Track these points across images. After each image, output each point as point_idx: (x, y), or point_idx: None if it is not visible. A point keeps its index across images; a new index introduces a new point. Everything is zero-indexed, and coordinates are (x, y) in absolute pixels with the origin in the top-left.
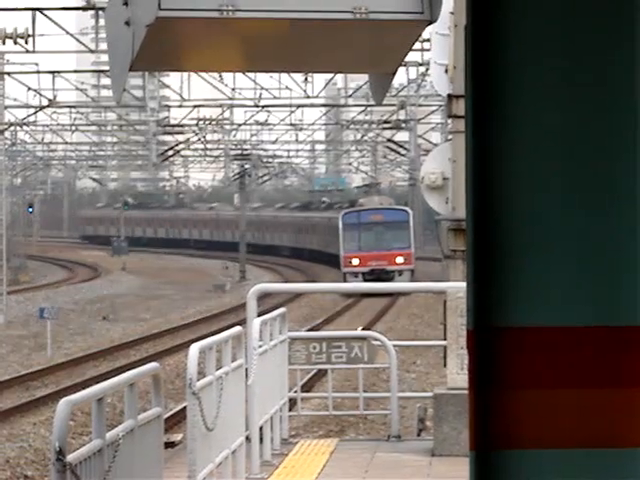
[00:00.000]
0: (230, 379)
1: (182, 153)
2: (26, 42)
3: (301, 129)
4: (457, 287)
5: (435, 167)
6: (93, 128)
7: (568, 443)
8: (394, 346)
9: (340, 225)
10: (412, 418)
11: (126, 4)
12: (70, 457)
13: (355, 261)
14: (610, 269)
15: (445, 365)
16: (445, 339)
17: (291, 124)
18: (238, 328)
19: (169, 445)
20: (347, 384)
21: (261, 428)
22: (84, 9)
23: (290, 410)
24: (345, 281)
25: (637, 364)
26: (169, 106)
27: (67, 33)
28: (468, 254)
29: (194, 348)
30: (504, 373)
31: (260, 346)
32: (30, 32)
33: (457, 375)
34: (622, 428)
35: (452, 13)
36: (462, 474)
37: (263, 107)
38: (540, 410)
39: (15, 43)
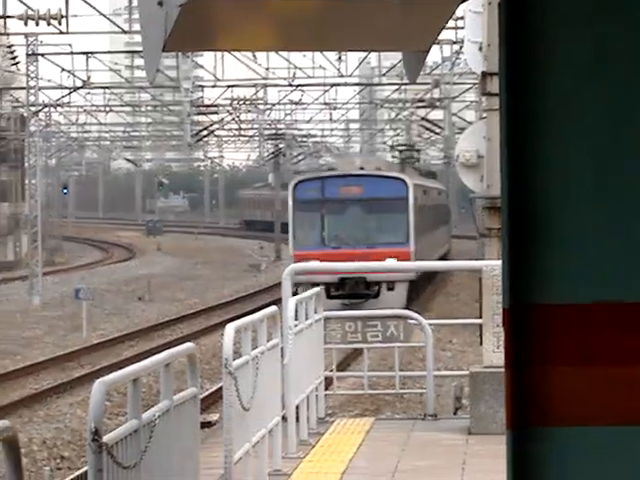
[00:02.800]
0: (266, 358)
1: (216, 133)
2: (59, 23)
3: (335, 108)
4: (493, 265)
5: (470, 145)
6: (127, 109)
7: (604, 420)
8: (430, 325)
9: (290, 202)
10: (448, 397)
11: None
12: (106, 438)
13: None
14: None
15: (481, 343)
16: (481, 317)
17: (325, 103)
18: (274, 308)
19: (205, 425)
20: (383, 363)
21: (297, 407)
22: None
23: (326, 389)
24: (296, 294)
25: None
26: (203, 86)
27: (100, 14)
28: (503, 232)
29: (230, 328)
30: (540, 350)
31: (296, 325)
32: (63, 13)
33: (493, 353)
34: None
35: None
36: (499, 452)
37: (297, 86)
38: (577, 387)
39: (49, 24)
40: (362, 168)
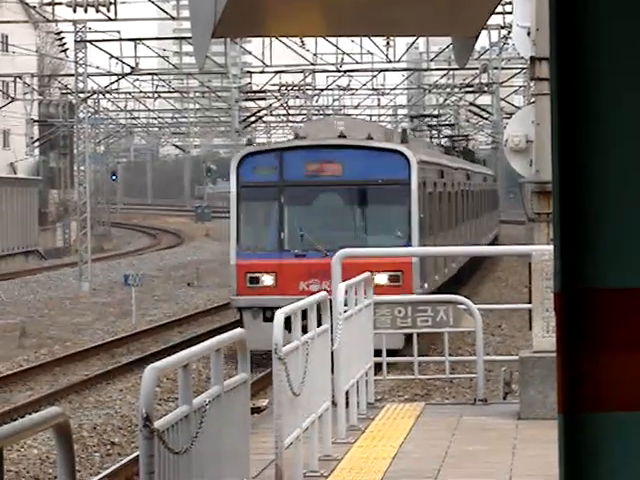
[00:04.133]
0: (316, 344)
1: (264, 119)
2: (108, 10)
3: (383, 94)
4: (542, 250)
5: (518, 130)
6: (175, 95)
7: None
8: (479, 310)
9: (232, 186)
10: (497, 381)
11: None
12: (157, 423)
13: (267, 279)
14: None
15: (530, 328)
16: (530, 302)
17: (373, 89)
18: (323, 293)
19: (255, 411)
20: (432, 348)
21: (347, 392)
22: None
23: (376, 374)
24: (241, 323)
25: None
26: (251, 72)
27: (148, 0)
28: (555, 216)
29: (279, 314)
30: (593, 335)
31: (345, 311)
32: (112, 0)
33: (543, 338)
34: None
35: None
36: (549, 437)
37: (345, 72)
38: (631, 372)
39: (97, 11)
40: (343, 136)
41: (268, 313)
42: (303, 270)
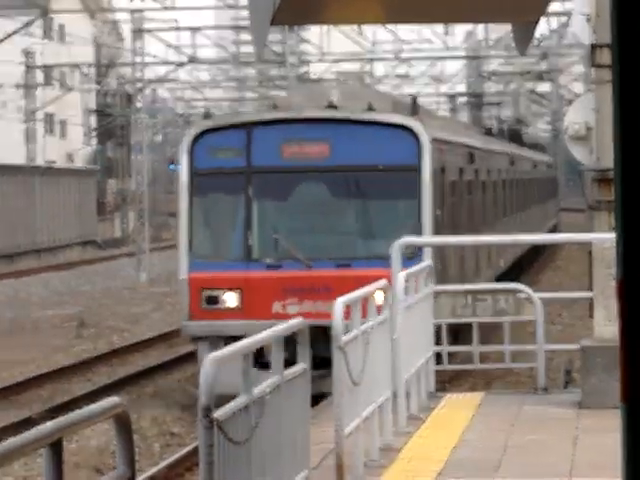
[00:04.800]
0: (375, 333)
1: None
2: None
3: (442, 81)
4: (603, 238)
5: (578, 117)
6: (233, 84)
7: None
8: (540, 298)
9: (183, 174)
10: (558, 371)
11: None
12: (217, 414)
13: (229, 298)
14: None
15: (591, 317)
16: (591, 290)
17: (432, 77)
18: (383, 281)
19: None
20: (493, 337)
21: (407, 382)
22: None
23: (436, 364)
24: (197, 356)
25: None
26: (309, 61)
27: None
28: (617, 204)
29: (339, 302)
30: None
31: (405, 300)
32: None
33: (604, 327)
34: None
35: None
36: (612, 427)
37: (403, 60)
38: None
39: (154, 0)
40: (333, 106)
41: (231, 344)
42: (277, 286)
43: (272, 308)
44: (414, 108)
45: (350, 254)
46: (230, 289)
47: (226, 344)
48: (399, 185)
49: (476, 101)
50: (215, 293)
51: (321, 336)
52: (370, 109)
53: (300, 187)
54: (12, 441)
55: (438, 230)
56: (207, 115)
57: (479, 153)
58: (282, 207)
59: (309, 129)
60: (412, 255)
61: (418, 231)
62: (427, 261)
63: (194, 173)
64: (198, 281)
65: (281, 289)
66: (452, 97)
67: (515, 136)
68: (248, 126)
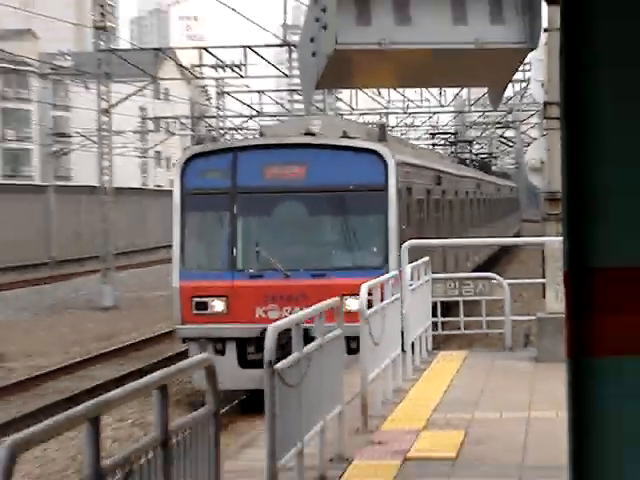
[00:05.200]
0: (390, 308)
1: None
2: (240, 69)
3: (437, 129)
4: (552, 240)
5: (535, 154)
6: None
7: (636, 351)
8: (508, 284)
9: (176, 193)
10: (520, 335)
11: (312, 40)
12: (277, 366)
13: (216, 304)
14: None
15: (544, 296)
16: (544, 278)
17: (430, 125)
18: (395, 272)
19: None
20: (473, 311)
21: (412, 343)
22: (281, 46)
23: (433, 330)
24: (187, 354)
25: None
26: (342, 114)
27: (269, 63)
28: (563, 216)
29: (364, 287)
30: (590, 301)
31: (411, 285)
32: (243, 63)
33: (554, 303)
34: None
35: (545, 44)
36: (559, 375)
37: (410, 114)
38: (617, 330)
39: (232, 70)
40: (310, 133)
41: (219, 345)
42: (260, 293)
43: (255, 313)
44: (382, 135)
45: (324, 265)
46: (217, 296)
47: (214, 345)
48: (368, 203)
49: (454, 139)
50: (204, 300)
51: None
52: (344, 136)
53: (280, 205)
54: (128, 385)
55: (404, 241)
56: (199, 141)
57: (448, 177)
58: (263, 223)
59: (288, 154)
60: (380, 266)
61: (384, 243)
62: (393, 271)
63: (185, 193)
64: (189, 289)
65: (263, 296)
66: (433, 135)
67: (484, 166)
68: (234, 151)
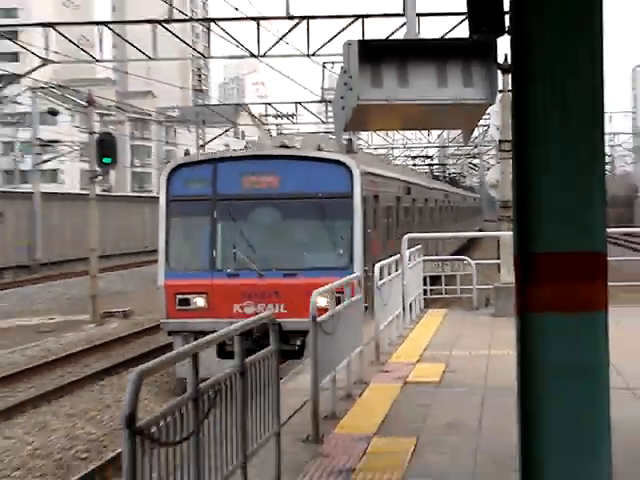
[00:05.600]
0: (395, 280)
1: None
2: (292, 118)
3: (428, 158)
4: (505, 234)
5: (493, 175)
6: None
7: (563, 309)
8: (475, 263)
9: (162, 199)
10: (483, 298)
11: (342, 98)
12: (319, 319)
13: (198, 301)
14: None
15: (499, 272)
16: (499, 259)
17: (423, 156)
18: (398, 255)
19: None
20: (451, 281)
21: (410, 304)
22: (320, 102)
23: (424, 295)
24: (171, 346)
25: (599, 265)
26: (362, 148)
27: (312, 113)
28: (513, 218)
29: (378, 265)
30: (532, 274)
31: (409, 264)
32: (294, 113)
33: (506, 277)
34: (590, 304)
35: (500, 100)
36: (509, 325)
37: (408, 147)
38: (547, 295)
39: (287, 119)
40: (284, 146)
41: (200, 337)
42: (236, 291)
43: (233, 309)
44: (350, 148)
45: (295, 265)
46: (198, 293)
47: (196, 338)
48: (335, 209)
49: (430, 162)
50: (186, 297)
51: (273, 330)
52: (319, 149)
53: (255, 211)
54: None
55: (369, 244)
56: (186, 153)
57: (418, 188)
58: (241, 227)
59: (263, 164)
60: (346, 266)
61: (349, 246)
62: (357, 272)
63: (170, 199)
64: (173, 287)
65: (239, 293)
66: (414, 158)
67: (453, 181)
68: (214, 162)
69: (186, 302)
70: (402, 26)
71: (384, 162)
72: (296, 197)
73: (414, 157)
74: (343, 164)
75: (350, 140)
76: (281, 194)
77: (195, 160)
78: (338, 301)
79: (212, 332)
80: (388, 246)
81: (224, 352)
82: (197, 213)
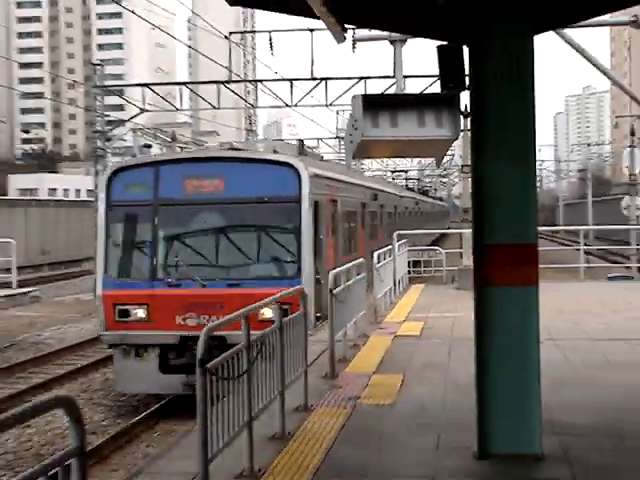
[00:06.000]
0: (387, 264)
1: None
2: (312, 150)
3: (407, 178)
4: (466, 231)
5: (458, 189)
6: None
7: (505, 283)
8: (445, 252)
9: (101, 205)
10: (451, 276)
11: (350, 135)
12: (335, 291)
13: (138, 312)
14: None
15: (461, 258)
16: (461, 249)
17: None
18: (389, 247)
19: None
20: (428, 264)
21: (399, 280)
22: (336, 138)
23: (408, 274)
24: (113, 361)
25: (532, 253)
26: (364, 170)
27: (328, 145)
28: (473, 220)
29: (375, 254)
30: (485, 260)
31: (398, 252)
32: (317, 146)
33: (467, 261)
34: (525, 280)
35: (462, 137)
36: (470, 296)
37: (398, 171)
38: (495, 274)
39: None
40: (233, 149)
41: (141, 351)
42: (178, 302)
43: (175, 320)
44: (301, 150)
45: (240, 275)
46: (138, 304)
47: (136, 351)
48: (282, 215)
49: (406, 176)
50: (126, 307)
51: (213, 344)
52: (274, 152)
53: (198, 217)
54: None
55: (321, 251)
56: (145, 146)
57: (386, 195)
58: (183, 234)
59: (207, 167)
60: (293, 275)
61: (298, 254)
62: (304, 284)
63: (109, 205)
64: (111, 297)
65: (181, 305)
66: (393, 172)
67: (424, 192)
68: (156, 165)
69: (126, 313)
70: (393, 85)
71: (356, 171)
72: (241, 202)
73: (392, 171)
74: (291, 166)
75: (301, 142)
76: (225, 199)
77: (136, 163)
78: (285, 313)
79: (154, 345)
80: (354, 250)
81: (167, 367)
82: (137, 219)
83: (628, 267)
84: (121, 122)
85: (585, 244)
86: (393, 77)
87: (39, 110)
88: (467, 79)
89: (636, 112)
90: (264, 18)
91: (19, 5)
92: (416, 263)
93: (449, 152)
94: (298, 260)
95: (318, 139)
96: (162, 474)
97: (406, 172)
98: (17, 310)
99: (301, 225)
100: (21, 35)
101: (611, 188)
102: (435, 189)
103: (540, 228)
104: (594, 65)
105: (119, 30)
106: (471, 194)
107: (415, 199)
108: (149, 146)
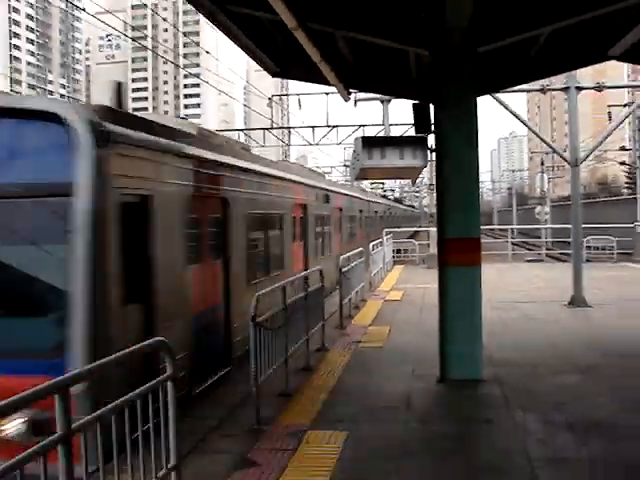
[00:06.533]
0: (379, 251)
1: None
2: (329, 174)
3: (385, 189)
4: (432, 230)
5: (426, 201)
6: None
7: (459, 264)
8: (418, 243)
9: None
10: (422, 259)
11: (353, 164)
12: (343, 270)
13: None
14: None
15: (429, 247)
16: (429, 241)
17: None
18: (379, 239)
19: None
20: (406, 252)
21: (387, 262)
22: (344, 166)
23: (393, 258)
24: None
25: (477, 244)
26: (366, 191)
27: (338, 172)
28: (437, 222)
29: (370, 244)
30: (445, 248)
31: (387, 243)
32: (330, 172)
33: (433, 250)
34: (473, 262)
35: (430, 164)
36: (435, 273)
37: (386, 190)
38: (452, 258)
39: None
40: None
41: None
42: None
43: None
44: (117, 98)
45: None
46: None
47: None
48: (38, 224)
49: (388, 189)
50: None
51: None
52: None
53: None
54: None
55: (161, 287)
56: None
57: (347, 198)
58: None
59: None
60: (54, 349)
61: (65, 303)
62: (76, 365)
63: None
64: None
65: None
66: (372, 183)
67: (398, 200)
68: None
69: None
70: (382, 129)
71: (308, 170)
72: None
73: (372, 183)
74: (60, 120)
75: (119, 84)
76: None
77: None
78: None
79: None
80: (272, 269)
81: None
82: None
83: (539, 253)
84: None
85: (511, 238)
86: (382, 125)
87: None
88: (432, 126)
89: (544, 150)
90: (295, 84)
91: (133, 71)
92: (399, 251)
93: (420, 175)
94: (65, 316)
95: (331, 167)
96: (228, 394)
97: (393, 191)
98: None
99: (76, 243)
100: (134, 100)
101: (528, 200)
102: (410, 200)
103: (482, 227)
104: (517, 117)
105: (197, 95)
106: (435, 204)
107: (387, 205)
108: None
